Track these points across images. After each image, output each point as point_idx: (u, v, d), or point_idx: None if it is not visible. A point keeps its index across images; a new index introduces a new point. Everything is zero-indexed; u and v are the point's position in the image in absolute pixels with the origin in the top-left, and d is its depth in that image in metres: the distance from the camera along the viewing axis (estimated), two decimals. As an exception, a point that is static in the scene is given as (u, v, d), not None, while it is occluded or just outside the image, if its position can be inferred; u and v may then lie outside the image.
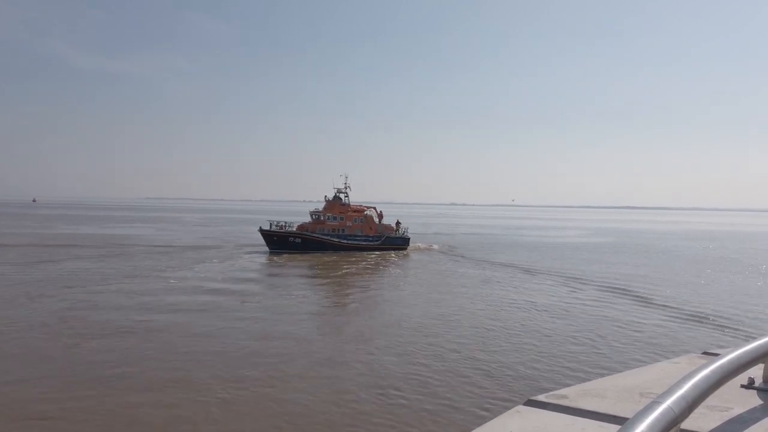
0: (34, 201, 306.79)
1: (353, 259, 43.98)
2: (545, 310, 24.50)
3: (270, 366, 15.69)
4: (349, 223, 49.01)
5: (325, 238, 48.11)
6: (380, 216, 51.59)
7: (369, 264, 42.05)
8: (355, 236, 48.99)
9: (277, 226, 48.84)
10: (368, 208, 51.91)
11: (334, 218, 49.03)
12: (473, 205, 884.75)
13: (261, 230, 48.72)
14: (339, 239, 48.51)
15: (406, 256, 47.69)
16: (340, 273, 36.87)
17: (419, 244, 55.07)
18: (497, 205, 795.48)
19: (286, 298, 27.33)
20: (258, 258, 43.99)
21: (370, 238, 49.34)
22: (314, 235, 48.19)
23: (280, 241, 47.79)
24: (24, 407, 12.39)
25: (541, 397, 2.20)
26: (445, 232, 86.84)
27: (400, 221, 53.15)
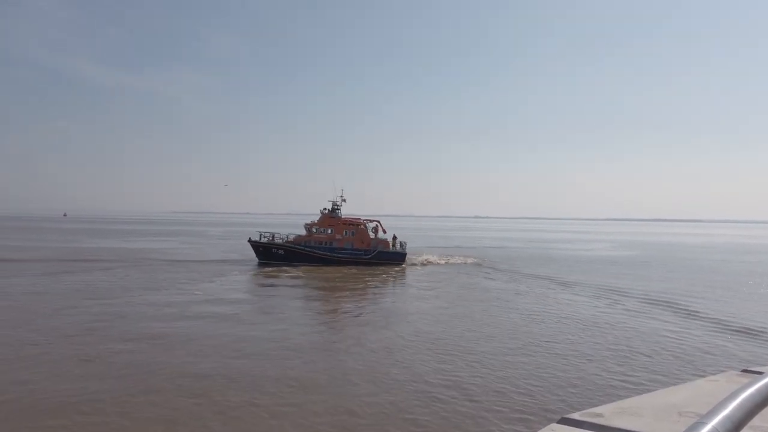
0: (65, 215, 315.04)
1: (338, 273, 42.49)
2: (581, 323, 23.79)
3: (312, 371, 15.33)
4: (338, 236, 48.26)
5: (308, 250, 47.87)
6: (375, 230, 50.23)
7: (344, 277, 41.56)
8: (344, 249, 48.11)
9: (264, 237, 49.89)
10: (371, 221, 51.27)
11: (323, 231, 48.70)
12: (497, 217, 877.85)
13: (249, 241, 50.07)
14: (325, 252, 47.83)
15: (400, 271, 45.00)
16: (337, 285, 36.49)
17: (429, 257, 53.53)
18: (521, 218, 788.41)
19: (302, 309, 27.04)
20: (260, 270, 43.94)
21: (361, 252, 47.98)
22: (297, 247, 48.24)
23: (266, 252, 48.90)
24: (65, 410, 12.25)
25: (576, 415, 2.16)
26: (467, 245, 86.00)
27: (396, 236, 51.23)
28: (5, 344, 18.59)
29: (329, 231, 48.49)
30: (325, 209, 49.75)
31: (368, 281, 38.75)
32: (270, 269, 44.01)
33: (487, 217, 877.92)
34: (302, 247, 48.09)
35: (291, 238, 49.54)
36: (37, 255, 53.17)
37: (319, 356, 18.07)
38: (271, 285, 36.27)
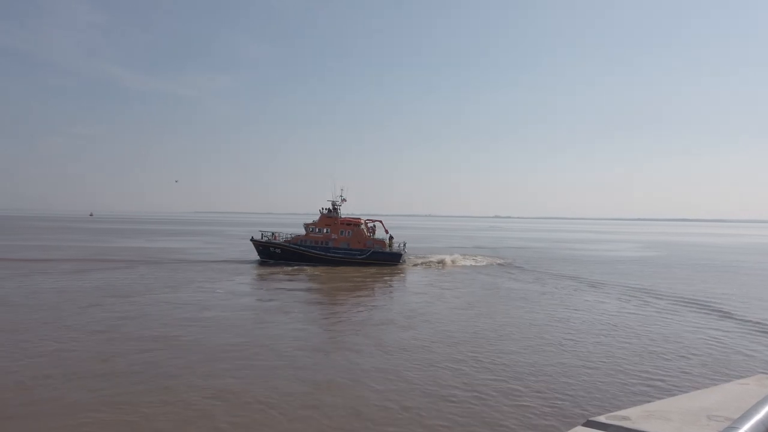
0: (91, 215, 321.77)
1: (334, 273, 42.29)
2: (608, 324, 23.41)
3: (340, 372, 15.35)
4: (334, 236, 48.52)
5: (303, 249, 48.46)
6: (371, 231, 49.89)
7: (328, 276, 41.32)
8: (339, 249, 48.18)
9: (265, 237, 51.16)
10: (372, 221, 51.36)
11: (320, 230, 49.08)
12: (518, 218, 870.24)
13: (252, 240, 51.53)
14: (320, 251, 48.14)
15: (398, 273, 43.35)
16: (340, 285, 36.43)
17: (447, 257, 52.54)
18: (543, 218, 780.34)
19: (319, 310, 27.05)
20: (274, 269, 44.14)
21: (356, 252, 47.93)
22: (293, 246, 48.90)
23: (264, 251, 50.32)
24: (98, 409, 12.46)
25: (602, 418, 2.11)
26: (488, 245, 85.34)
27: (393, 236, 50.52)
28: (32, 341, 18.98)
29: (326, 231, 48.92)
30: (325, 209, 50.03)
31: (387, 281, 38.67)
32: (289, 268, 44.26)
33: (508, 217, 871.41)
34: (297, 247, 48.85)
35: (289, 237, 50.48)
36: (65, 254, 54.41)
37: (338, 356, 18.05)
38: (289, 283, 36.40)
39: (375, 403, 13.46)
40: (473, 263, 51.98)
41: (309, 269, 44.13)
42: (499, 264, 51.80)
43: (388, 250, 48.62)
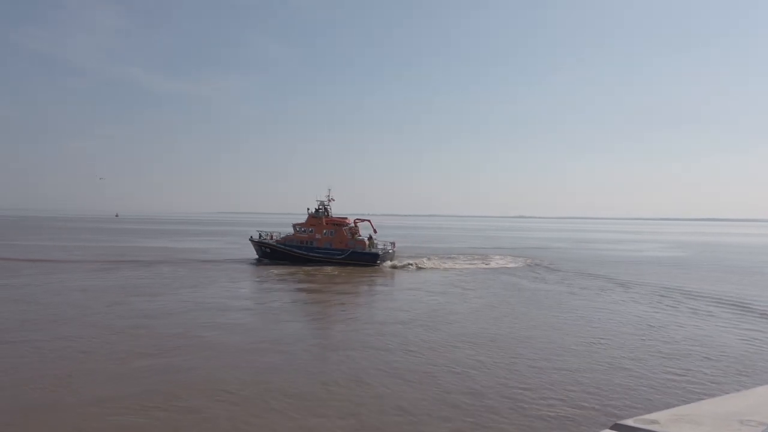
0: (116, 216, 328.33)
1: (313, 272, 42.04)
2: (637, 325, 22.89)
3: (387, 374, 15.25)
4: (318, 236, 48.67)
5: (287, 249, 49.17)
6: (352, 231, 49.17)
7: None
8: (322, 249, 48.24)
9: (263, 237, 52.33)
10: (362, 220, 51.51)
11: (305, 230, 49.53)
12: (541, 217, 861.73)
13: (250, 239, 53.26)
14: (304, 251, 48.51)
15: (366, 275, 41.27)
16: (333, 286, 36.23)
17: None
18: (566, 218, 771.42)
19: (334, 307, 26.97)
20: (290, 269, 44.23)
21: (336, 252, 47.80)
22: (279, 246, 49.74)
23: (259, 250, 51.71)
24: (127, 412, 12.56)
25: (629, 422, 2.07)
26: (510, 246, 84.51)
27: (372, 236, 49.61)
28: (56, 339, 19.29)
29: (310, 231, 49.33)
30: (317, 208, 50.24)
31: (404, 280, 38.48)
32: (309, 268, 44.36)
33: (531, 217, 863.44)
34: (284, 246, 49.60)
35: (280, 237, 51.42)
36: (91, 254, 55.55)
37: (362, 354, 17.93)
38: (311, 283, 36.50)
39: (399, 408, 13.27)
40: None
41: (329, 269, 44.17)
42: (529, 264, 50.54)
43: (367, 250, 47.92)
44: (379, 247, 49.48)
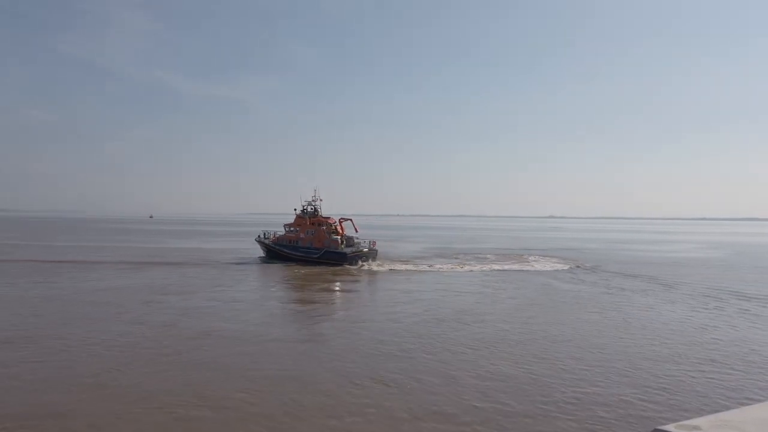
0: (150, 217, 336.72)
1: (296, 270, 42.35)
2: (684, 328, 22.20)
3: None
4: (302, 235, 49.57)
5: (277, 248, 50.67)
6: (329, 230, 48.41)
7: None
8: (303, 248, 48.83)
9: (266, 237, 53.93)
10: (345, 219, 51.84)
11: (292, 230, 50.75)
12: (572, 217, 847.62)
13: (255, 239, 55.74)
14: (290, 250, 49.59)
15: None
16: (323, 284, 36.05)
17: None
18: (597, 218, 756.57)
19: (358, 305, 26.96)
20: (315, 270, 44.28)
21: (314, 251, 48.12)
22: (272, 246, 51.52)
23: (263, 249, 53.58)
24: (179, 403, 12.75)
25: (670, 427, 2.02)
26: (542, 246, 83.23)
27: (349, 236, 49.10)
28: (95, 335, 19.74)
29: (296, 230, 50.23)
30: (303, 208, 50.76)
31: (424, 280, 38.18)
32: (337, 268, 44.47)
33: (562, 217, 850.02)
34: (274, 246, 51.02)
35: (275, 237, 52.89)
36: (126, 254, 57.18)
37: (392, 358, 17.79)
38: (339, 283, 36.56)
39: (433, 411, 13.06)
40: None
41: (353, 268, 44.19)
42: (573, 267, 47.96)
43: (339, 249, 47.25)
44: (360, 247, 48.05)
